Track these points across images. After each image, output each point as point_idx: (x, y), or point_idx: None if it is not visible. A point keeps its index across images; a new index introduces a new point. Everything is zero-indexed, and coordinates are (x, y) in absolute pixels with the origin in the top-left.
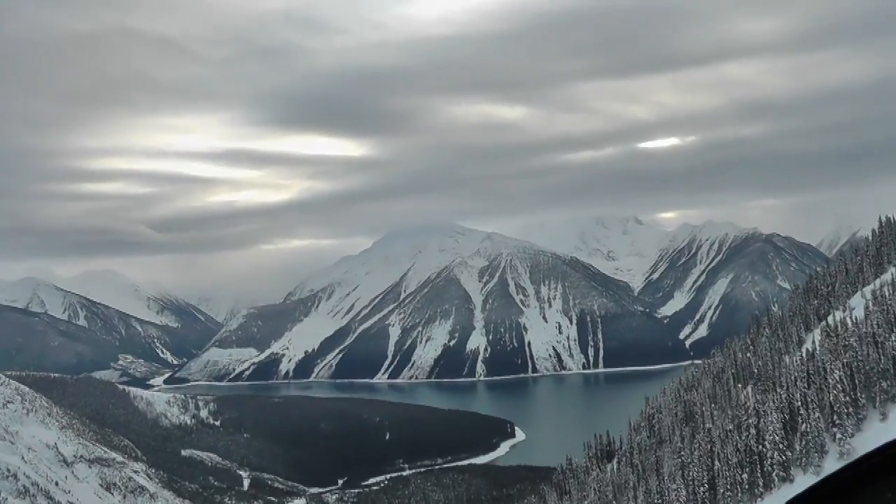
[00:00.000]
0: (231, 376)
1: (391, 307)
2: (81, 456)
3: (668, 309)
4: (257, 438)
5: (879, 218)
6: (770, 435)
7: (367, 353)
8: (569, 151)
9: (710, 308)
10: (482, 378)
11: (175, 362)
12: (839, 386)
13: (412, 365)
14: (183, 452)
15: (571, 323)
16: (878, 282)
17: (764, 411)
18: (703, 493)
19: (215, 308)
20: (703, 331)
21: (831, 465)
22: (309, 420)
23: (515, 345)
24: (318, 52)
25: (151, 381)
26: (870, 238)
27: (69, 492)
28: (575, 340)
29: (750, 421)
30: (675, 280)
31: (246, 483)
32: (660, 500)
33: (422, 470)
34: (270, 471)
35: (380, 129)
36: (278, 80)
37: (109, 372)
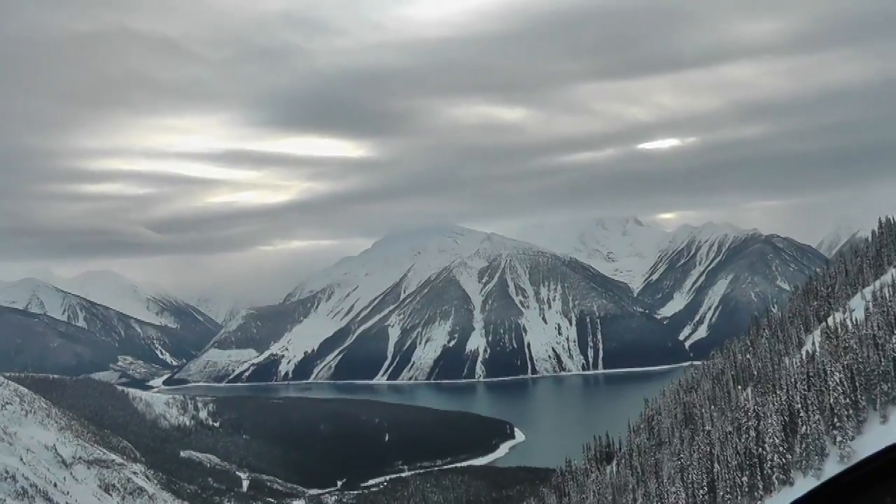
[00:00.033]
0: (230, 377)
1: (391, 308)
2: (80, 457)
3: (668, 310)
4: (256, 440)
5: (879, 219)
6: (770, 437)
7: (367, 354)
8: (568, 152)
9: (709, 309)
10: (482, 379)
11: (174, 363)
12: (839, 388)
13: (412, 366)
14: (182, 454)
15: (571, 324)
16: (877, 283)
17: (764, 413)
18: (703, 495)
19: (215, 309)
20: (702, 332)
21: (832, 467)
22: (308, 421)
23: (515, 346)
24: (317, 53)
25: (151, 383)
26: (869, 239)
27: (68, 493)
28: (574, 341)
29: (750, 423)
30: (674, 281)
31: (245, 484)
32: (659, 503)
33: (421, 471)
34: (269, 472)
35: (379, 130)
36: (278, 81)
37: (109, 373)
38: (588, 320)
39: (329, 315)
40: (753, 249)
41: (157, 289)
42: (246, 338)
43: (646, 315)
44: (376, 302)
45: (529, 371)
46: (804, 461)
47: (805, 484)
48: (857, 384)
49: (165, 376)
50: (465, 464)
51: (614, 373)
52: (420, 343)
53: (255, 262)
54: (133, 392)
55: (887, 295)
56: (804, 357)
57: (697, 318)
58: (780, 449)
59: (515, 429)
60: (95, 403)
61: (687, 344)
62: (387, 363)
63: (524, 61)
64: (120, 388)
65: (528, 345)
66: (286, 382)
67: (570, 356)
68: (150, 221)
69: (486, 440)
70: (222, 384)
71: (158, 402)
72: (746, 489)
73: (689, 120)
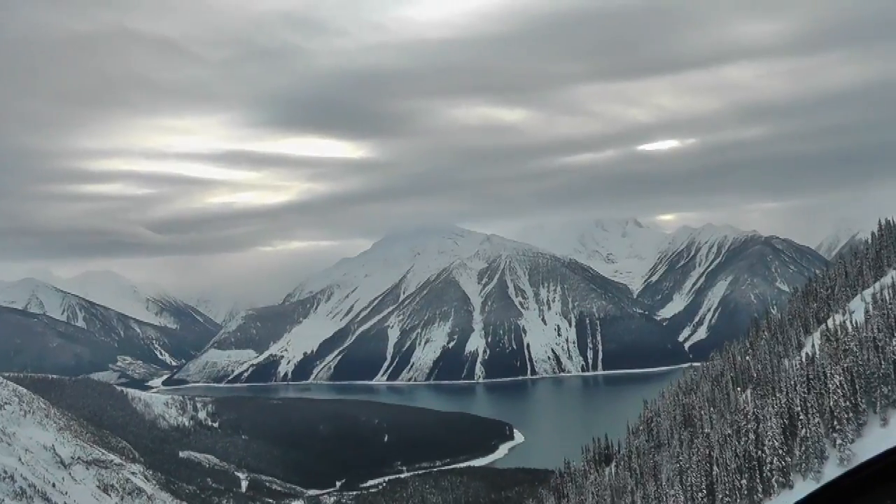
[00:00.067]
0: (230, 378)
1: (390, 309)
2: (79, 457)
3: (668, 311)
4: (255, 440)
5: (879, 221)
6: (769, 440)
7: (366, 354)
8: (568, 154)
9: (709, 310)
10: (481, 380)
11: (174, 364)
12: (839, 391)
13: (411, 367)
14: (181, 454)
15: (570, 325)
16: (877, 285)
17: (763, 416)
18: (702, 498)
19: (214, 309)
20: (702, 333)
21: (831, 470)
22: (307, 422)
23: (514, 347)
24: (317, 54)
25: (150, 383)
26: (869, 241)
27: (66, 493)
28: (574, 343)
29: (749, 426)
30: (674, 282)
31: (244, 485)
32: None
33: (420, 472)
34: (268, 472)
35: (379, 130)
36: (277, 81)
37: (108, 373)
38: (587, 321)
39: (328, 316)
40: (753, 251)
41: (157, 289)
42: (245, 338)
43: (645, 316)
44: (376, 303)
45: (529, 372)
46: (804, 464)
47: (804, 487)
48: (857, 387)
49: (165, 377)
50: (464, 465)
51: (614, 374)
52: (419, 344)
53: (254, 262)
54: (132, 392)
55: (887, 297)
56: (804, 359)
57: (697, 319)
58: (780, 452)
59: (514, 430)
60: (94, 404)
61: (686, 345)
62: (386, 364)
63: (524, 62)
64: (119, 388)
65: (528, 346)
66: (285, 383)
67: (570, 357)
68: (149, 222)
69: (486, 441)
70: (221, 385)
71: (157, 402)
72: (746, 492)
73: (689, 121)
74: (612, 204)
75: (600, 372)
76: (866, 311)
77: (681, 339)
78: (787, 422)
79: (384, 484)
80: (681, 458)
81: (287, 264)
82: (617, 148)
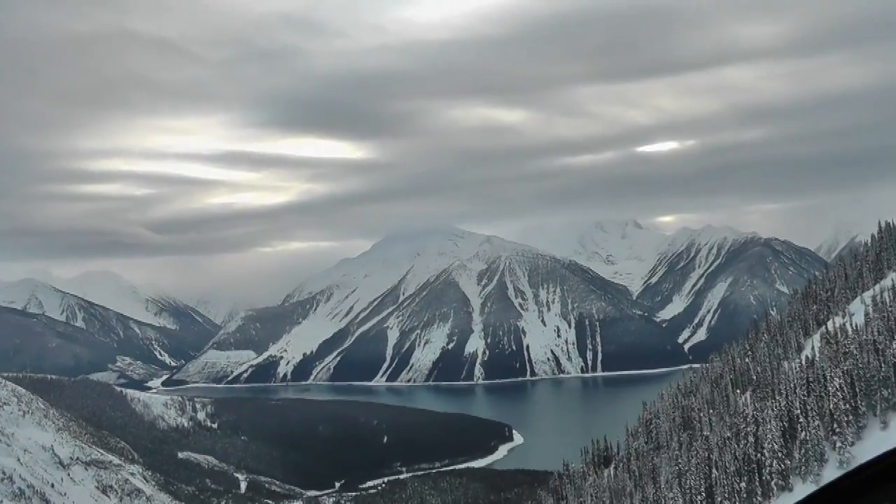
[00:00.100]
0: (229, 378)
1: (390, 310)
2: (78, 458)
3: (667, 313)
4: (255, 441)
5: (879, 223)
6: (769, 443)
7: (366, 355)
8: (568, 155)
9: (708, 312)
10: (480, 381)
11: (173, 364)
12: (839, 394)
13: (410, 368)
14: (180, 455)
15: (570, 326)
16: (877, 287)
17: (763, 419)
18: (701, 501)
19: (213, 310)
20: (701, 335)
21: (831, 474)
22: (307, 423)
23: (514, 348)
24: (316, 55)
25: (149, 383)
26: (868, 243)
27: (65, 494)
28: (573, 344)
29: (748, 429)
30: (673, 284)
31: (243, 486)
32: None
33: (419, 473)
34: (268, 474)
35: (379, 131)
36: (277, 82)
37: (107, 374)
38: (587, 323)
39: (328, 317)
40: (752, 252)
41: (156, 289)
42: (245, 339)
43: (645, 318)
44: (375, 304)
45: (528, 373)
46: (803, 467)
47: (804, 490)
48: (857, 390)
49: (164, 377)
50: (463, 466)
51: (613, 375)
52: (419, 345)
53: (254, 263)
54: (131, 393)
55: (887, 299)
56: (804, 362)
57: (696, 320)
58: (779, 455)
59: (514, 431)
60: (93, 404)
61: (686, 347)
62: (385, 365)
63: (523, 64)
64: (118, 388)
65: (527, 347)
66: (285, 384)
67: (569, 359)
68: (149, 222)
69: (485, 442)
70: (221, 385)
71: (157, 403)
72: (745, 495)
73: (689, 123)
74: (612, 205)
75: (600, 373)
76: (866, 314)
77: (680, 340)
78: (786, 424)
79: (383, 485)
80: (680, 460)
81: (286, 265)
82: (616, 149)
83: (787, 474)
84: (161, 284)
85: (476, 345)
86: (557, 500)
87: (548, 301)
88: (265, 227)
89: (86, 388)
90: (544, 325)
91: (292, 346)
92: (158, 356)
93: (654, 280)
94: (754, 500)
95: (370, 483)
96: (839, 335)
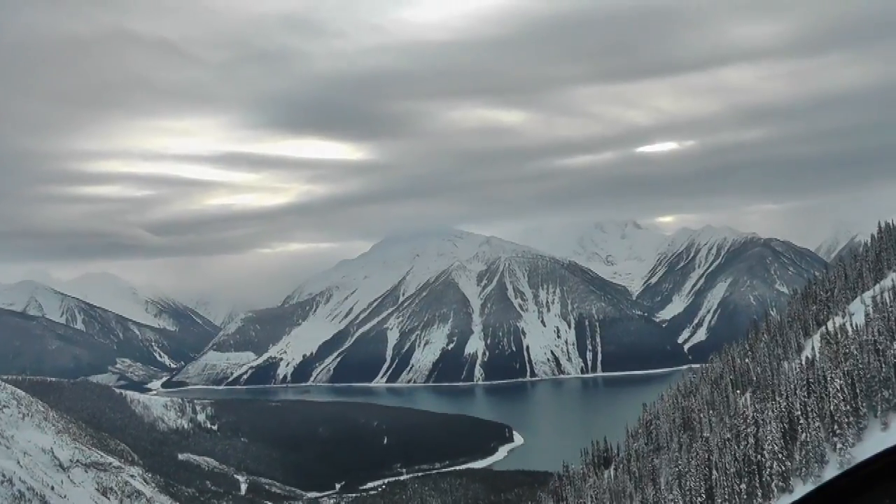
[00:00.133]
0: (229, 380)
1: (389, 311)
2: (78, 460)
3: (667, 313)
4: (255, 443)
5: (879, 223)
6: (769, 444)
7: (366, 356)
8: (567, 156)
9: (708, 312)
10: (480, 382)
11: (173, 366)
12: (840, 395)
13: (410, 369)
14: (180, 456)
15: (570, 327)
16: (877, 287)
17: (763, 420)
18: (701, 503)
19: (213, 312)
20: (701, 335)
21: (832, 475)
22: (307, 424)
23: (514, 349)
24: (316, 56)
25: (149, 385)
26: (868, 243)
27: (65, 496)
28: (573, 344)
29: (749, 430)
30: (673, 284)
31: (243, 487)
32: None
33: (419, 474)
34: (268, 475)
35: (378, 133)
36: (276, 83)
37: (107, 376)
38: (587, 323)
39: (328, 318)
40: (752, 253)
41: (156, 291)
42: (244, 340)
43: (644, 318)
44: (375, 305)
45: (528, 374)
46: (804, 468)
47: (804, 491)
48: (857, 391)
49: (164, 379)
50: (463, 467)
51: (613, 376)
52: (419, 346)
53: (253, 264)
54: (131, 395)
55: (888, 300)
56: (804, 363)
57: (696, 321)
58: (780, 456)
59: (514, 432)
60: (93, 406)
61: (686, 347)
62: (385, 366)
63: (523, 65)
64: (118, 390)
65: (527, 348)
66: (285, 385)
67: (569, 359)
68: (148, 224)
69: (485, 443)
70: (221, 387)
71: (156, 404)
72: (745, 497)
73: (688, 123)
74: (612, 206)
75: (599, 374)
76: (866, 314)
77: (680, 340)
78: (786, 425)
79: (383, 486)
80: (680, 461)
81: (286, 266)
82: (616, 150)
83: (788, 476)
84: (160, 286)
85: (476, 345)
86: (557, 501)
87: (547, 302)
88: (265, 229)
89: (85, 390)
90: (544, 325)
91: (292, 348)
92: (158, 358)
93: (653, 280)
94: (754, 501)
95: (370, 484)
96: (839, 335)
